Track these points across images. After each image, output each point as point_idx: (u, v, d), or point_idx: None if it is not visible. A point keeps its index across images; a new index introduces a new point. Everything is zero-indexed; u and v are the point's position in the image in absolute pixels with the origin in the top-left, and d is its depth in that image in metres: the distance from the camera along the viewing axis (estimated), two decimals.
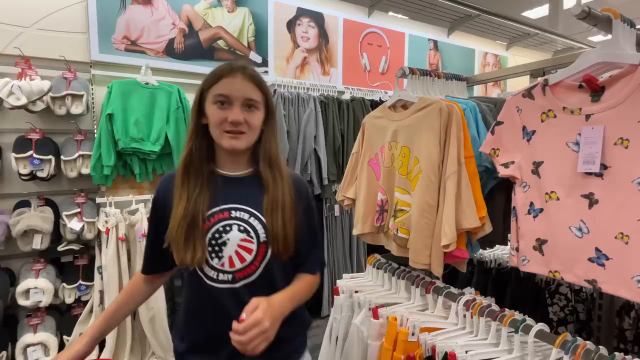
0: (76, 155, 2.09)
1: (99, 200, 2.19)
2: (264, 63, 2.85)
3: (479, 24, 3.79)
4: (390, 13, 3.61)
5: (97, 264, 2.12)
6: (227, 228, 0.83)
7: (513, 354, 0.94)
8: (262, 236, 0.84)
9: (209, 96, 0.82)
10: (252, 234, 0.84)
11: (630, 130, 0.78)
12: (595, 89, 0.83)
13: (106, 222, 2.10)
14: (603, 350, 0.83)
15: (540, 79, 0.93)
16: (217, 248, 0.82)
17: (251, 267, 0.84)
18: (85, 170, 2.12)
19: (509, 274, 1.51)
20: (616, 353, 0.82)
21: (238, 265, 0.83)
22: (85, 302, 2.13)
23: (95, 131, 2.17)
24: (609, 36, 0.85)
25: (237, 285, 0.83)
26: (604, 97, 0.83)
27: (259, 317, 0.70)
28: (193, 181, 0.83)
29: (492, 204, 1.16)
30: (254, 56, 2.81)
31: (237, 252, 0.82)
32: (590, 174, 0.84)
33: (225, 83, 0.81)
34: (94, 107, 2.22)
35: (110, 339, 2.05)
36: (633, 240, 0.78)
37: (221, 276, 0.83)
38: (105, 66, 2.30)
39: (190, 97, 2.35)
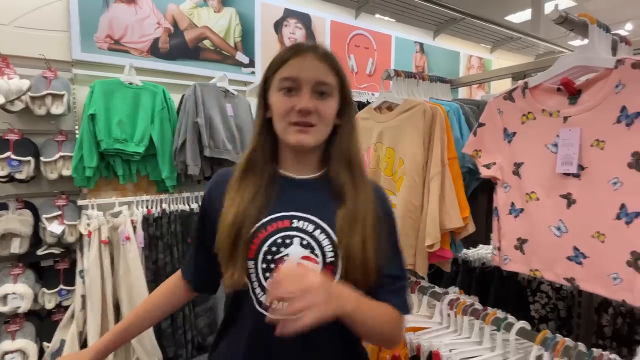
0: (57, 156, 2.03)
1: (80, 202, 2.13)
2: (251, 64, 2.84)
3: (464, 27, 3.86)
4: (377, 15, 3.63)
5: (78, 268, 2.06)
6: (287, 241, 0.66)
7: (495, 351, 0.96)
8: (330, 255, 0.66)
9: (274, 82, 0.68)
10: (318, 251, 0.67)
11: (606, 132, 0.81)
12: (572, 92, 0.86)
13: (88, 224, 2.05)
14: (581, 346, 0.85)
15: (520, 82, 0.96)
16: (272, 265, 0.66)
17: None
18: (67, 172, 2.06)
19: (493, 273, 1.54)
20: (594, 349, 0.85)
21: None
22: (67, 308, 2.07)
23: (76, 132, 2.12)
24: (586, 41, 0.88)
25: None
26: (581, 99, 0.85)
27: (311, 278, 0.54)
28: (251, 184, 0.69)
29: (475, 204, 1.19)
30: (241, 57, 2.79)
31: None
32: (568, 174, 0.86)
33: (293, 64, 0.66)
34: (75, 107, 2.17)
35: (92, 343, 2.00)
36: (609, 238, 0.81)
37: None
38: (87, 65, 2.25)
39: (176, 98, 2.34)
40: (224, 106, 2.34)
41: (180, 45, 2.53)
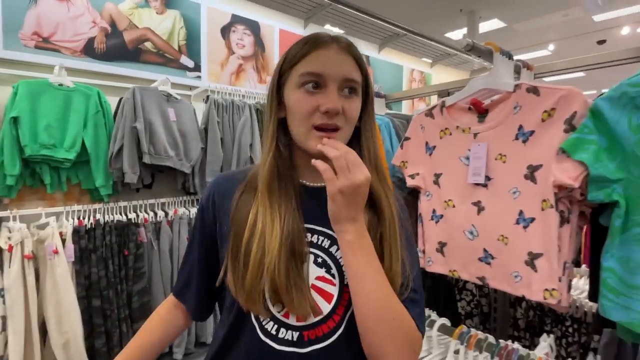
0: None
1: (0, 214, 1.94)
2: (197, 68, 2.77)
3: (406, 42, 4.10)
4: (327, 26, 3.73)
5: None
6: (302, 242, 0.57)
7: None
8: None
9: (292, 78, 0.58)
10: (334, 270, 0.58)
11: (507, 148, 0.92)
12: (481, 111, 0.97)
13: (9, 238, 1.87)
14: (491, 339, 0.95)
15: (439, 101, 1.05)
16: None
17: (329, 324, 0.56)
18: None
19: (426, 275, 1.65)
20: (501, 341, 0.95)
21: (310, 318, 0.55)
22: None
23: None
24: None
25: (306, 350, 0.55)
26: (488, 118, 0.96)
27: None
28: (284, 196, 0.58)
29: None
30: (186, 60, 2.72)
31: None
32: (478, 184, 0.96)
33: (316, 58, 0.56)
34: None
35: None
36: (511, 241, 0.92)
37: (282, 332, 0.56)
38: (10, 64, 2.06)
39: (113, 101, 2.22)
40: (165, 111, 2.27)
41: (118, 46, 2.41)
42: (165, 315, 0.70)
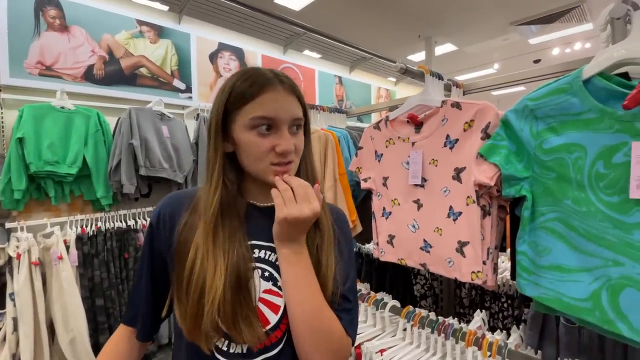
0: None
1: (9, 225, 1.88)
2: (188, 90, 2.76)
3: (373, 64, 4.18)
4: (306, 52, 3.78)
5: (9, 291, 1.81)
6: (248, 273, 0.53)
7: (375, 327, 1.06)
8: None
9: (241, 118, 0.53)
10: (280, 282, 0.55)
11: (438, 153, 0.95)
12: (417, 123, 1.00)
13: (17, 247, 1.81)
14: (432, 315, 0.98)
15: (384, 116, 1.08)
16: None
17: (277, 333, 0.54)
18: None
19: (387, 263, 1.68)
20: (440, 317, 0.97)
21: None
22: None
23: (4, 155, 1.88)
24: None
25: None
26: (422, 129, 0.99)
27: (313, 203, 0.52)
28: (229, 231, 0.53)
29: (364, 209, 1.30)
30: (178, 83, 2.71)
31: (258, 309, 0.53)
32: (416, 185, 0.99)
33: (266, 102, 0.52)
34: (3, 131, 1.92)
35: None
36: (444, 232, 0.95)
37: (233, 347, 0.52)
38: (16, 90, 2.01)
39: (112, 121, 2.19)
40: (159, 128, 2.25)
41: (116, 72, 2.38)
42: (124, 348, 0.61)
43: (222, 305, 0.49)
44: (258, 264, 0.55)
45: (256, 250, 0.56)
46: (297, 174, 0.59)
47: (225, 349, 0.52)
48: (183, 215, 0.56)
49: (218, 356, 0.52)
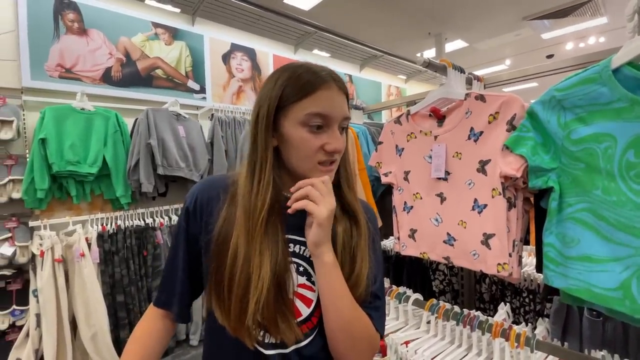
0: (6, 180, 1.84)
1: (32, 223, 1.94)
2: (202, 90, 2.81)
3: (383, 62, 4.17)
4: (315, 51, 3.80)
5: (32, 288, 1.87)
6: (287, 269, 0.54)
7: (398, 320, 1.07)
8: None
9: (293, 114, 0.52)
10: (315, 277, 0.55)
11: (462, 147, 0.96)
12: (439, 117, 1.01)
13: (40, 244, 1.87)
14: (456, 309, 0.98)
15: (405, 110, 1.09)
16: None
17: (308, 325, 0.55)
18: (17, 195, 1.87)
19: (404, 259, 1.68)
20: (465, 310, 0.98)
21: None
22: (21, 327, 1.86)
23: (27, 156, 1.94)
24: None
25: (288, 350, 0.54)
26: (445, 123, 1.00)
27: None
28: (272, 229, 0.53)
29: (383, 204, 1.31)
30: (192, 84, 2.75)
31: (292, 303, 0.54)
32: (439, 178, 1.00)
33: (322, 98, 0.51)
34: (25, 132, 1.99)
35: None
36: (469, 225, 0.95)
37: (268, 337, 0.54)
38: (37, 92, 2.08)
39: (130, 122, 2.24)
40: (176, 128, 2.29)
41: (132, 74, 2.44)
42: (155, 330, 0.61)
43: (265, 302, 0.50)
44: (294, 259, 0.55)
45: (291, 245, 0.56)
46: (336, 174, 0.58)
47: (261, 339, 0.54)
48: (220, 206, 0.56)
49: (256, 346, 0.54)
